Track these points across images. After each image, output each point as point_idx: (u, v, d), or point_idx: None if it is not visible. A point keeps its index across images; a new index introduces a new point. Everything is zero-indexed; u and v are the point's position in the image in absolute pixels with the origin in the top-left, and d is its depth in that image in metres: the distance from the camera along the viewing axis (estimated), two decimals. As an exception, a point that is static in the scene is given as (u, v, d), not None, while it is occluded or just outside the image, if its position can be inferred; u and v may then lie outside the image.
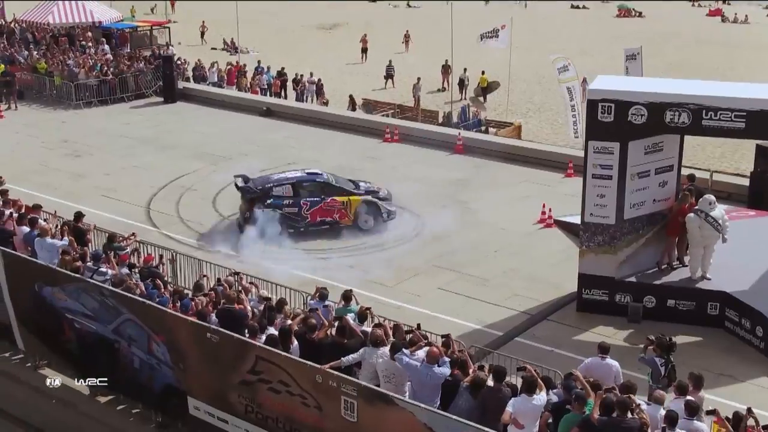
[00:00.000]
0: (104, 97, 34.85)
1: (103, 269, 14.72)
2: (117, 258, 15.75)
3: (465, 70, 44.18)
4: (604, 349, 12.83)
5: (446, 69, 45.31)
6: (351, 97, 40.24)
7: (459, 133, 29.46)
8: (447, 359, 12.06)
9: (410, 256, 20.66)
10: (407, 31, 58.30)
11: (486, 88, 43.86)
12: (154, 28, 47.21)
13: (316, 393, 11.87)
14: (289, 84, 41.62)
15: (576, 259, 17.86)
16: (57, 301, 14.74)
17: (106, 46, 39.78)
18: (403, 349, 12.06)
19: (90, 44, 39.61)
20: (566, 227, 21.88)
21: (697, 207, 17.10)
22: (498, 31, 36.54)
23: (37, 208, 18.09)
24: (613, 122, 16.49)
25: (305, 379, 11.91)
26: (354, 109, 39.03)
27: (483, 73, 43.82)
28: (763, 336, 15.90)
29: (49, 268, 14.75)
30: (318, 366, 11.91)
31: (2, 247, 15.48)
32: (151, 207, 23.94)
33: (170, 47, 42.76)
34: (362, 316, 14.19)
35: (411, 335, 12.96)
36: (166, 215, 23.32)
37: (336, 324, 13.00)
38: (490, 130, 36.90)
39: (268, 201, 21.17)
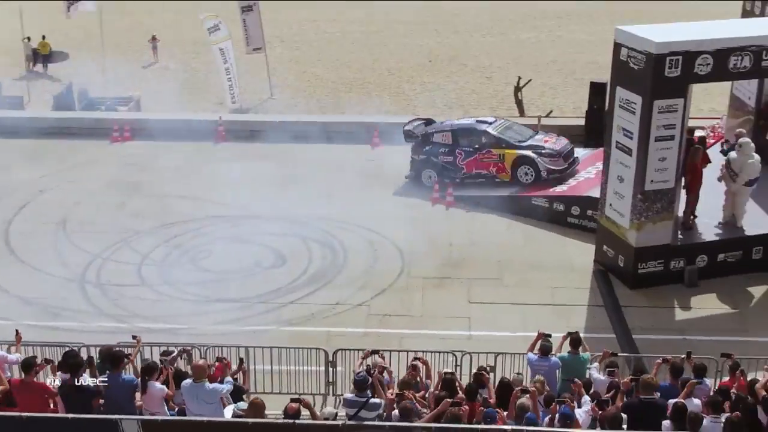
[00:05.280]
0: None
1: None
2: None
3: (28, 39, 35.83)
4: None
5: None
6: None
7: (220, 117, 24.32)
8: None
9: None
10: None
11: (48, 56, 36.79)
12: None
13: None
14: None
15: (532, 233, 18.41)
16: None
17: None
18: None
19: None
20: (475, 201, 19.83)
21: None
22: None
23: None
24: (680, 76, 14.86)
25: None
26: None
27: (44, 38, 36.25)
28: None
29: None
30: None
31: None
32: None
33: None
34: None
35: None
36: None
37: None
38: (120, 108, 30.50)
39: (426, 148, 20.69)
